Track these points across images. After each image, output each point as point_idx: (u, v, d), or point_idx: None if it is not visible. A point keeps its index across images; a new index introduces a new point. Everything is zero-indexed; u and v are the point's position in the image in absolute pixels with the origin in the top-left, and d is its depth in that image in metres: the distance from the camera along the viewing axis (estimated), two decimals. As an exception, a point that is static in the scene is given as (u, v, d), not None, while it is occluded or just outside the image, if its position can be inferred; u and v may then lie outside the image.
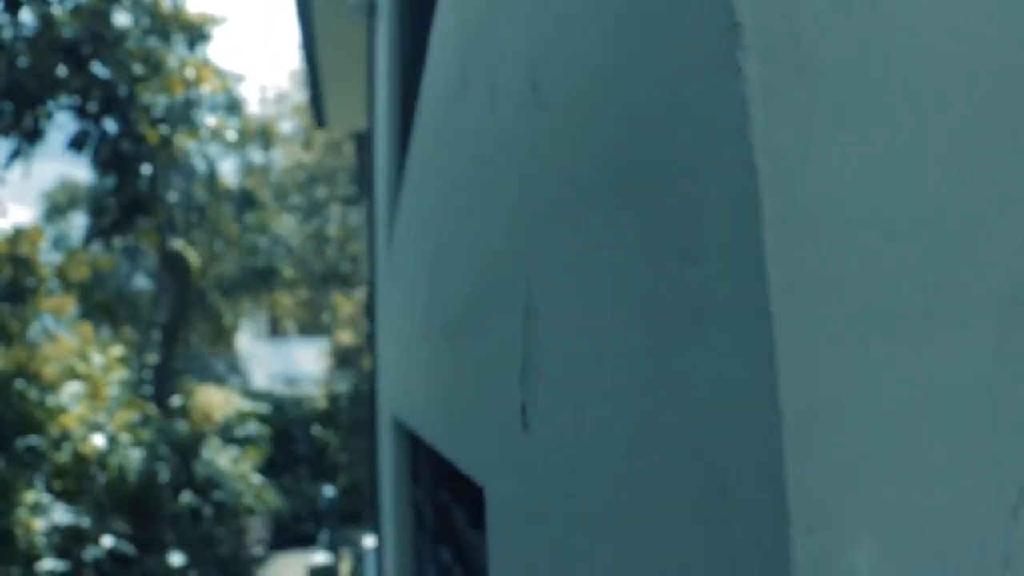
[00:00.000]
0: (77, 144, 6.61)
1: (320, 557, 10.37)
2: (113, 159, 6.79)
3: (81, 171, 22.21)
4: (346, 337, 14.53)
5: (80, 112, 6.62)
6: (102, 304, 7.04)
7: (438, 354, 1.60)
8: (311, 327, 32.59)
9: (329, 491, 14.70)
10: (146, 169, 6.84)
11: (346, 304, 15.66)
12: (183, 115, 7.56)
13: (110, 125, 6.69)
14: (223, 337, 17.04)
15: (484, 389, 1.06)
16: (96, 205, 7.23)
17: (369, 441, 7.70)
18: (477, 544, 2.02)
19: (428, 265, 1.78)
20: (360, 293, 15.22)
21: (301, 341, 30.72)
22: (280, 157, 22.67)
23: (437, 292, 1.61)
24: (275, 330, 35.91)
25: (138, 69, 6.76)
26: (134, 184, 6.95)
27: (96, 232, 7.14)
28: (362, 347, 14.00)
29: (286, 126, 23.62)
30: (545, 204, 0.80)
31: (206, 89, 7.43)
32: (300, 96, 24.47)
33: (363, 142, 14.88)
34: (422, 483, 3.67)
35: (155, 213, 7.20)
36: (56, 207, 19.08)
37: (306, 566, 10.25)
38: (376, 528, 8.29)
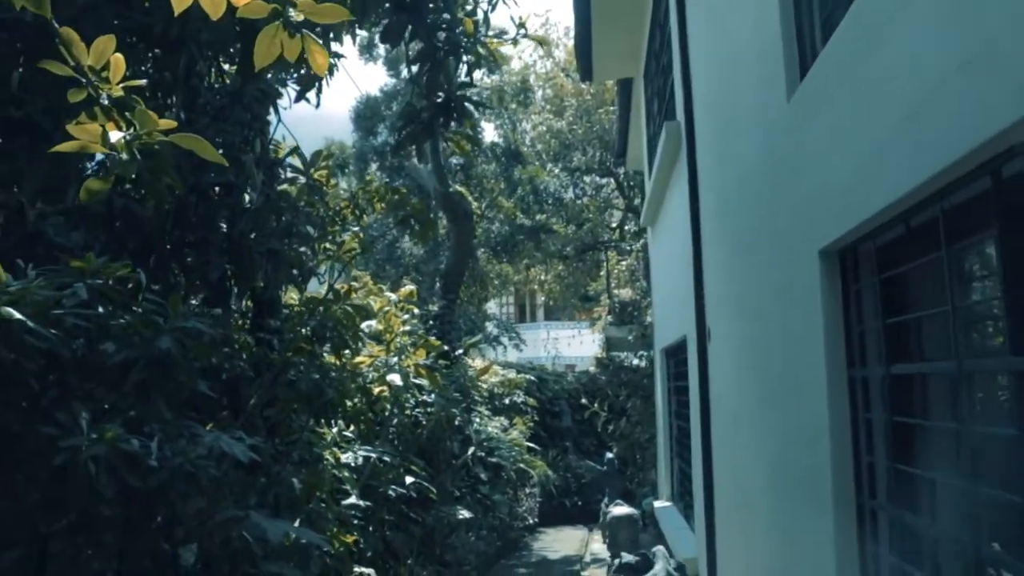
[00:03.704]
0: (393, 35, 6.12)
1: (621, 508, 9.61)
2: (428, 51, 6.26)
3: (343, 131, 22.73)
4: (625, 293, 13.79)
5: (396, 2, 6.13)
6: (416, 212, 6.43)
7: None
8: (560, 311, 32.37)
9: (609, 454, 14.15)
10: (461, 62, 6.27)
11: (620, 264, 14.98)
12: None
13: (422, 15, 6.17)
14: (484, 303, 16.73)
15: None
16: (407, 108, 6.73)
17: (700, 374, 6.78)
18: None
19: None
20: (634, 251, 14.48)
21: (549, 326, 30.51)
22: (528, 127, 22.39)
23: None
24: (522, 316, 36.19)
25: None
26: (447, 81, 6.40)
27: (406, 137, 6.64)
28: (641, 303, 13.22)
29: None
30: None
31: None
32: (543, 65, 24.24)
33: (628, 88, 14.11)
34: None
35: (467, 118, 6.60)
36: (324, 169, 19.48)
37: (611, 515, 9.50)
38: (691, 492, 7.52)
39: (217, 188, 5.09)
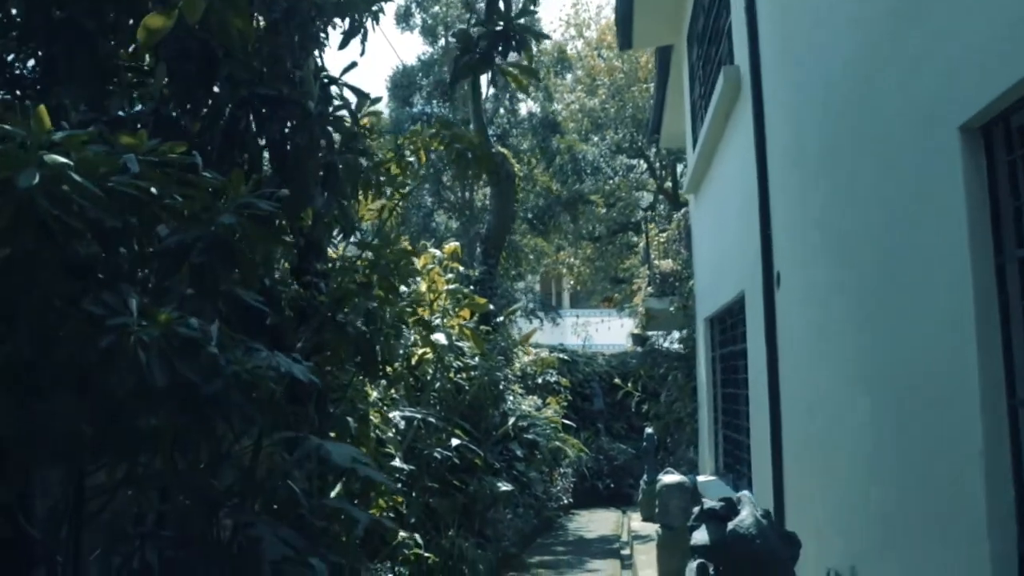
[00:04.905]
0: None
1: (672, 476, 9.23)
2: (484, -22, 5.88)
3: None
4: (666, 265, 13.44)
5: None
6: (474, 145, 6.00)
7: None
8: (586, 299, 31.93)
9: (649, 429, 13.85)
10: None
11: (659, 236, 14.69)
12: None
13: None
14: (517, 280, 16.36)
15: None
16: (462, 35, 6.34)
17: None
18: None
19: None
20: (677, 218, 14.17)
21: (576, 313, 30.00)
22: (560, 107, 22.06)
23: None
24: (548, 303, 35.74)
25: None
26: (507, 6, 6.02)
27: (462, 69, 6.25)
28: (682, 274, 12.83)
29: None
30: None
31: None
32: (573, 47, 23.91)
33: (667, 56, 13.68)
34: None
35: (526, 49, 6.21)
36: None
37: (661, 483, 9.13)
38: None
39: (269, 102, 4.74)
